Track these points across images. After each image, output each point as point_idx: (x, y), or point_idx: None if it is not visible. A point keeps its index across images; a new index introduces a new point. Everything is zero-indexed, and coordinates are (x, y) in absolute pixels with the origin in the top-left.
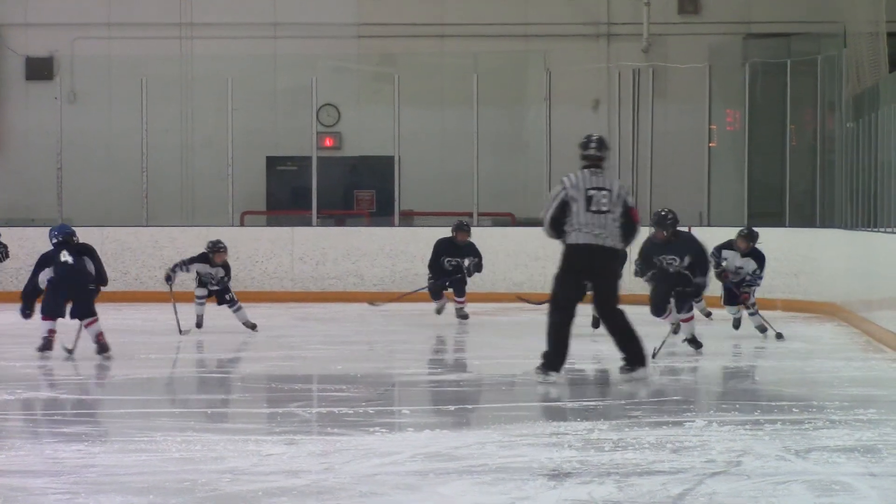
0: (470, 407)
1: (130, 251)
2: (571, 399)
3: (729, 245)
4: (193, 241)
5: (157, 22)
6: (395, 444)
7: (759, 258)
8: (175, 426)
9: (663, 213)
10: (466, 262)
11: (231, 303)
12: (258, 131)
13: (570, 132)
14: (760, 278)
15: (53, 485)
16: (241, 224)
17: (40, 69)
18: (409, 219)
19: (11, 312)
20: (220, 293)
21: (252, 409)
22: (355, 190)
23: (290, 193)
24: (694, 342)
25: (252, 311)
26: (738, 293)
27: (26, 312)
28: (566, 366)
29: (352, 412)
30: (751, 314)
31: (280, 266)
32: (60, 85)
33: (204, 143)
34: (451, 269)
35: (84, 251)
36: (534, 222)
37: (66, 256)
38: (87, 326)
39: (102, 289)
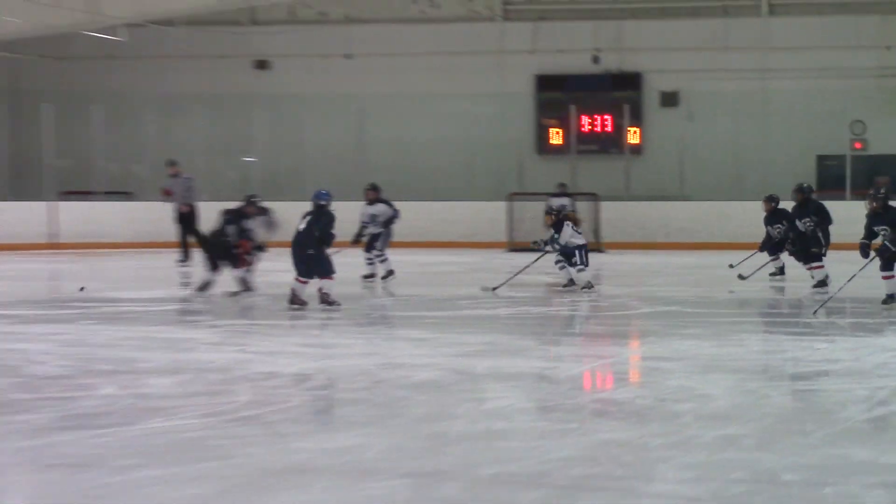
0: None
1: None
2: None
3: None
4: (746, 213)
5: (741, 68)
6: None
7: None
8: (755, 329)
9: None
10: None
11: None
12: (805, 139)
13: None
14: None
15: (679, 368)
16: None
17: (670, 99)
18: None
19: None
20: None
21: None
22: (875, 177)
23: (832, 180)
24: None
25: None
26: None
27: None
28: None
29: None
30: None
31: None
32: (683, 110)
33: (762, 147)
34: (780, 237)
35: (322, 216)
36: None
37: (302, 224)
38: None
39: (330, 249)
